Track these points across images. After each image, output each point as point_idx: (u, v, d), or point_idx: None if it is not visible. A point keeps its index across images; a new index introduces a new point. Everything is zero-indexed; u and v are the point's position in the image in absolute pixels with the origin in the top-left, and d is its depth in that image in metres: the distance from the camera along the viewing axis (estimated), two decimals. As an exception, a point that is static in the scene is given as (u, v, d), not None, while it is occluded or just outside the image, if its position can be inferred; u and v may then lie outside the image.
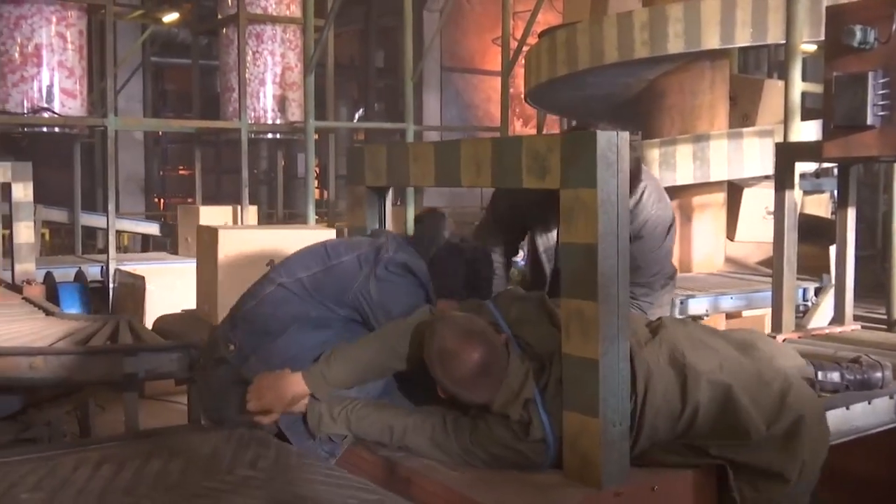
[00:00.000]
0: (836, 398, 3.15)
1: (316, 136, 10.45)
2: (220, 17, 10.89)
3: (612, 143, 2.42)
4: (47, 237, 13.21)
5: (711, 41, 7.70)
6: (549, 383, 2.61)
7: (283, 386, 2.79)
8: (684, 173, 7.68)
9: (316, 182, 14.45)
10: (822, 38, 4.91)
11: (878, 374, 3.22)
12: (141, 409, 4.62)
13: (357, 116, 18.49)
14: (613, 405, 2.45)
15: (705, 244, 8.28)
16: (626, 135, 2.47)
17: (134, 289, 7.91)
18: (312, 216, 9.87)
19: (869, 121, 4.12)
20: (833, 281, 5.63)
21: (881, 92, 4.10)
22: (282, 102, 10.40)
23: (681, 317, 5.79)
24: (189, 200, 16.98)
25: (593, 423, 2.44)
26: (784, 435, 2.62)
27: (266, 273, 3.10)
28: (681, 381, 2.65)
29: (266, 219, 13.26)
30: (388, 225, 3.74)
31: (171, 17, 14.28)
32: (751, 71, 11.92)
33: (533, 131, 14.87)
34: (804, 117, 6.43)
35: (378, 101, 18.69)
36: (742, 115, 8.60)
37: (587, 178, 2.42)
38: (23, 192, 6.02)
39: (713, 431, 2.61)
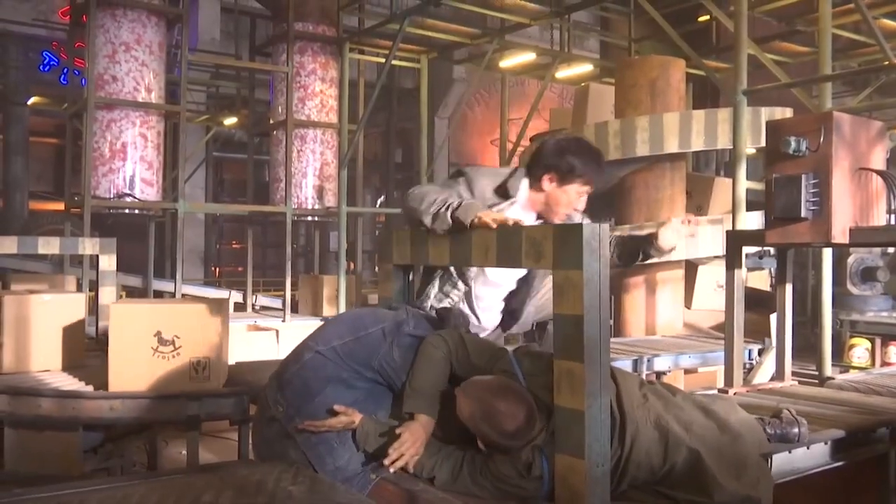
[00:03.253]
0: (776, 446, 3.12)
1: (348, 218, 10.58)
2: (271, 121, 11.02)
3: (595, 232, 2.45)
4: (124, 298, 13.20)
5: (671, 146, 7.81)
6: (548, 430, 2.60)
7: (417, 430, 2.77)
8: (650, 253, 7.71)
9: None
10: (763, 144, 4.95)
11: (796, 430, 3.13)
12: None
13: (379, 203, 18.62)
14: (597, 449, 2.44)
15: (667, 311, 8.27)
16: (606, 226, 2.50)
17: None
18: (343, 282, 9.95)
19: (802, 214, 4.14)
20: (774, 343, 5.60)
21: (812, 191, 4.13)
22: (320, 191, 10.47)
23: (666, 383, 5.74)
24: (240, 269, 17.01)
25: (580, 464, 2.43)
26: (743, 496, 2.62)
27: (304, 341, 3.09)
28: (663, 443, 2.64)
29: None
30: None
31: (230, 121, 14.47)
32: (702, 170, 12.02)
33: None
34: (748, 209, 6.46)
35: (397, 190, 18.83)
36: (696, 206, 8.65)
37: (575, 261, 2.45)
38: (108, 262, 6.05)
39: (683, 486, 2.61)
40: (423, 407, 2.81)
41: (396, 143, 19.04)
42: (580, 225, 2.45)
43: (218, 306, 4.64)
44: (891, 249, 9.05)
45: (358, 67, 11.88)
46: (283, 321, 9.62)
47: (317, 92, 10.44)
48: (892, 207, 4.24)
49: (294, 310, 10.31)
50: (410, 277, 3.76)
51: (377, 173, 19.50)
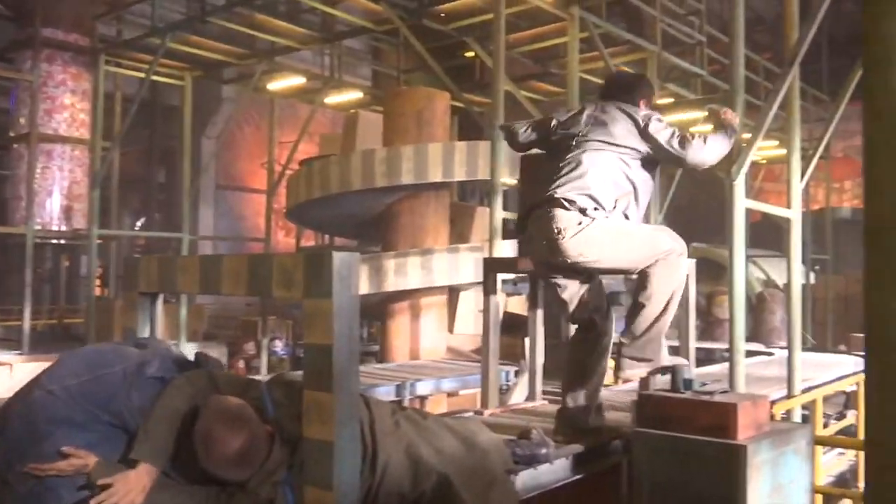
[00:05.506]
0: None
1: (101, 241, 9.85)
2: (12, 134, 10.08)
3: (346, 262, 2.46)
4: None
5: (435, 175, 8.06)
6: (296, 462, 2.55)
7: (132, 480, 2.53)
8: (414, 279, 7.88)
9: (99, 281, 13.52)
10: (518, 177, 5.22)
11: (544, 451, 3.28)
12: None
13: (138, 225, 17.59)
14: (346, 480, 2.43)
15: (430, 336, 8.46)
16: (357, 255, 2.53)
17: None
18: (93, 311, 9.25)
19: (550, 243, 4.40)
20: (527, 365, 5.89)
21: (558, 222, 4.40)
22: (67, 212, 9.73)
23: (418, 409, 5.82)
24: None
25: (328, 497, 2.41)
26: None
27: (35, 378, 2.81)
28: (413, 469, 2.68)
29: (48, 313, 12.15)
30: (160, 325, 3.57)
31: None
32: (468, 199, 12.47)
33: (293, 240, 14.77)
34: (505, 237, 6.77)
35: (159, 212, 17.90)
36: (458, 233, 8.94)
37: (325, 290, 2.44)
38: None
39: None
40: (148, 454, 2.63)
41: (159, 162, 18.10)
42: (331, 254, 2.45)
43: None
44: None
45: (115, 81, 11.18)
46: (21, 354, 8.77)
47: (66, 105, 9.74)
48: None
49: (36, 341, 9.44)
50: (158, 306, 3.57)
51: (137, 193, 18.42)
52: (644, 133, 3.77)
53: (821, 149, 7.01)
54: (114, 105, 11.08)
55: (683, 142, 3.76)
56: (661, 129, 3.77)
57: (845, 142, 15.24)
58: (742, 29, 5.60)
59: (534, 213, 3.79)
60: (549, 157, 4.02)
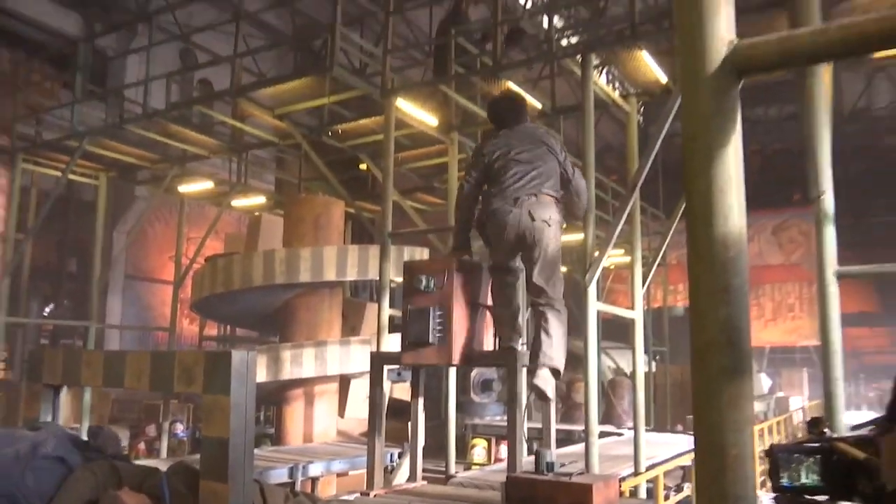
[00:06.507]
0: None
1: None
2: (-78, 224, 9.40)
3: (244, 360, 2.40)
4: None
5: (330, 275, 8.01)
6: None
7: None
8: (308, 369, 7.71)
9: (3, 365, 12.50)
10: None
11: None
12: None
13: (47, 311, 16.49)
14: (236, 568, 2.30)
15: (323, 420, 8.24)
16: (255, 354, 2.47)
17: None
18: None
19: (430, 340, 4.44)
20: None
21: (438, 321, 4.46)
22: (-25, 300, 9.05)
23: (309, 494, 5.61)
24: None
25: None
26: None
27: None
28: None
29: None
30: (64, 408, 3.33)
31: None
32: (360, 295, 12.41)
33: (197, 328, 14.18)
34: (392, 331, 6.73)
35: (68, 300, 16.86)
36: (350, 327, 8.86)
37: (223, 387, 2.37)
38: None
39: None
40: None
41: (72, 253, 17.18)
42: (230, 353, 2.39)
43: None
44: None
45: (32, 177, 10.68)
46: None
47: (-19, 199, 9.18)
48: (496, 334, 4.75)
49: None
50: (62, 397, 3.34)
51: (48, 281, 17.35)
52: (558, 150, 4.56)
53: (659, 258, 7.44)
54: (29, 199, 10.56)
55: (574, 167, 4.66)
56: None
57: (678, 251, 16.14)
58: (593, 155, 5.94)
59: (495, 217, 4.38)
60: (487, 179, 4.58)
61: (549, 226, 4.34)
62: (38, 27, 12.75)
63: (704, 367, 1.42)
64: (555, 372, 4.27)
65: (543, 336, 4.31)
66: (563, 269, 5.07)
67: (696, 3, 1.43)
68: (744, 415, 1.37)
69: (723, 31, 1.46)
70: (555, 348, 4.30)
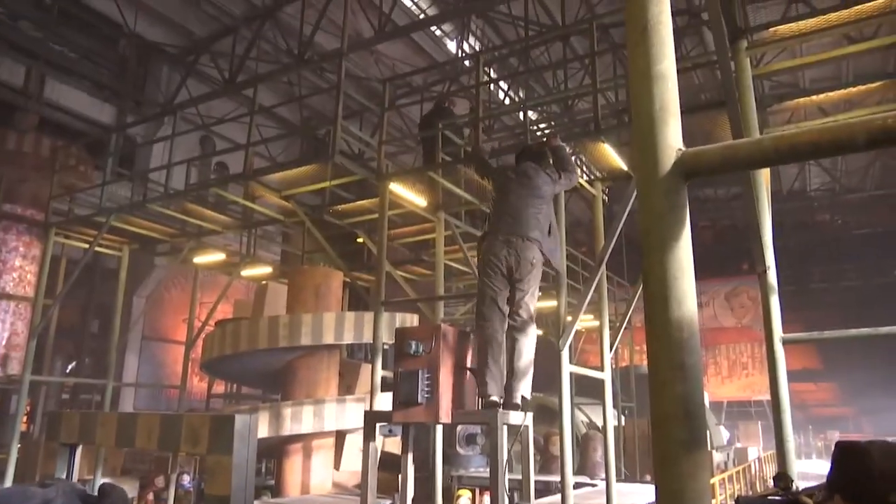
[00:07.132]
0: None
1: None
2: (-40, 291, 9.28)
3: (246, 423, 2.35)
4: None
5: (329, 338, 7.93)
6: None
7: None
8: (307, 424, 7.55)
9: (26, 417, 12.16)
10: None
11: None
12: None
13: (69, 368, 16.16)
14: None
15: (320, 472, 8.02)
16: (257, 416, 2.42)
17: None
18: (15, 446, 8.28)
19: (419, 400, 4.39)
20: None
21: (426, 383, 4.42)
22: (3, 360, 8.85)
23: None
24: None
25: None
26: None
27: None
28: None
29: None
30: (76, 474, 3.22)
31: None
32: (355, 355, 12.26)
33: (206, 385, 13.90)
34: (385, 390, 6.63)
35: (90, 357, 16.54)
36: (346, 386, 8.72)
37: (226, 447, 2.30)
38: None
39: None
40: None
41: (94, 315, 16.95)
42: (233, 417, 2.34)
43: None
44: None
45: (62, 248, 10.63)
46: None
47: (16, 267, 9.13)
48: (479, 393, 4.69)
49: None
50: (77, 455, 3.24)
51: (72, 341, 17.06)
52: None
53: (625, 322, 7.43)
54: (58, 268, 10.48)
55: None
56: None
57: (643, 315, 16.13)
58: (564, 230, 6.00)
59: (496, 241, 4.65)
60: (497, 193, 4.94)
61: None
62: (76, 117, 12.91)
63: (663, 439, 1.41)
64: (523, 400, 4.56)
65: (516, 366, 4.57)
66: (539, 331, 5.09)
67: (649, 117, 1.48)
68: (701, 484, 1.35)
69: (671, 140, 1.50)
70: (522, 380, 4.58)
